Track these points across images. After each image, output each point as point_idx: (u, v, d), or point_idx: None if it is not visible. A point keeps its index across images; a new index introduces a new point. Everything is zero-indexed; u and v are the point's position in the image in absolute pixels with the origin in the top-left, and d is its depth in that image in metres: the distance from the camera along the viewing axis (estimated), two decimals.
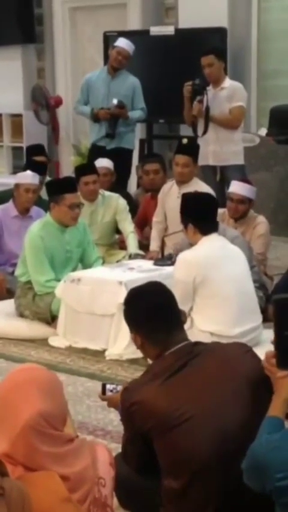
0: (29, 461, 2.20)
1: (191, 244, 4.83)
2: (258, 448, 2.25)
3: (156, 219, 6.59)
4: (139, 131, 9.08)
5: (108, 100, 7.68)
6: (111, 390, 3.09)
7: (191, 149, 6.33)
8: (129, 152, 7.93)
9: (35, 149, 7.72)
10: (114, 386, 3.11)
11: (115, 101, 7.57)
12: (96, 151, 7.73)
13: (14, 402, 2.23)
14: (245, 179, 6.31)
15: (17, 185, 6.46)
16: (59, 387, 2.39)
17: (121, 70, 7.76)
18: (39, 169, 6.84)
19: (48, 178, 7.21)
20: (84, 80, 8.04)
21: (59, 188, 5.64)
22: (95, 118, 7.75)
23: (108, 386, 3.11)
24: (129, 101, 7.73)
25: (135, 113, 7.76)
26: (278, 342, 1.96)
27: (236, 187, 6.04)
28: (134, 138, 8.06)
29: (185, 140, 6.43)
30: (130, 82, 7.80)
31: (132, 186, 8.58)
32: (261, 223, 6.05)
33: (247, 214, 6.06)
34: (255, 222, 6.05)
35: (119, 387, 3.02)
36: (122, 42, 7.74)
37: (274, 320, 2.01)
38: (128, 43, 7.74)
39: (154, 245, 6.55)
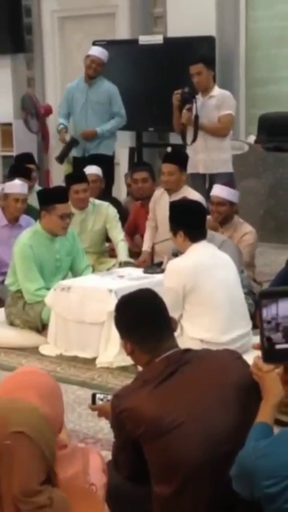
0: None
1: (180, 252, 4.84)
2: (246, 455, 2.26)
3: (149, 223, 6.65)
4: (128, 140, 9.12)
5: (87, 109, 7.86)
6: (101, 399, 3.10)
7: (176, 158, 6.38)
8: (109, 158, 7.99)
9: (24, 158, 7.73)
10: (104, 395, 3.12)
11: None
12: (77, 162, 7.86)
13: None
14: (227, 183, 6.32)
15: (5, 195, 6.46)
16: (58, 394, 2.40)
17: (97, 78, 7.89)
18: (26, 174, 6.86)
19: (38, 187, 7.22)
20: (66, 90, 8.19)
21: (51, 198, 5.65)
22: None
23: (98, 396, 3.12)
24: (106, 108, 7.86)
25: (107, 125, 7.85)
26: (262, 336, 1.98)
27: (215, 190, 6.09)
28: (114, 144, 8.13)
29: (169, 149, 6.50)
30: (106, 89, 7.92)
31: (121, 194, 8.60)
32: (249, 232, 6.07)
33: (232, 219, 6.07)
34: (242, 230, 6.06)
35: (109, 397, 3.03)
36: (95, 51, 7.90)
37: (258, 313, 2.03)
38: (101, 51, 7.89)
39: (146, 246, 6.61)
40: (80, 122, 7.99)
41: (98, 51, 7.87)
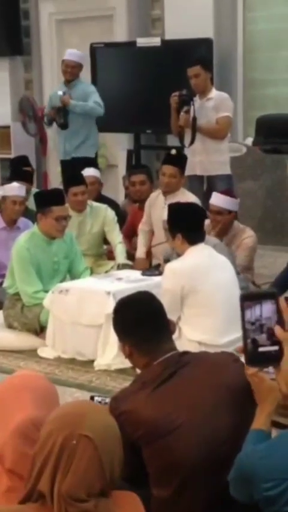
0: (17, 467, 2.20)
1: (178, 254, 4.84)
2: (245, 458, 2.25)
3: (142, 227, 6.63)
4: (126, 142, 9.12)
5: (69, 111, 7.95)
6: (99, 402, 3.10)
7: (179, 161, 6.38)
8: (93, 160, 8.04)
9: (20, 161, 7.74)
10: (102, 398, 3.12)
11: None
12: (64, 166, 7.96)
13: (7, 407, 2.24)
14: (226, 191, 6.31)
15: (3, 198, 6.47)
16: (54, 397, 2.40)
17: (75, 80, 8.05)
18: (25, 177, 6.86)
19: (35, 190, 7.22)
20: (49, 97, 8.32)
21: (47, 200, 5.65)
22: (50, 119, 8.14)
23: (96, 398, 3.12)
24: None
25: (86, 105, 7.93)
26: (244, 339, 1.97)
27: (214, 199, 6.06)
28: (94, 148, 8.22)
29: (173, 151, 6.47)
30: (83, 90, 8.04)
31: (119, 196, 8.61)
32: (250, 236, 6.06)
33: (231, 226, 6.06)
34: (243, 234, 6.05)
35: (107, 399, 3.03)
36: (68, 54, 8.07)
37: (241, 316, 2.03)
38: (75, 53, 8.06)
39: (140, 252, 6.59)
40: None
41: (71, 55, 8.06)
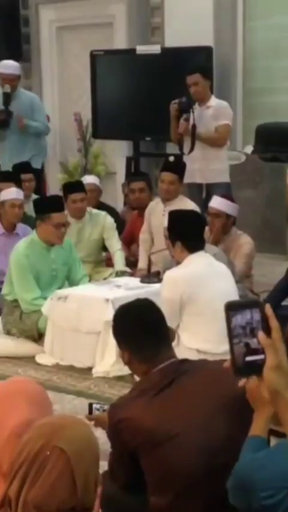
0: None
1: (177, 262, 4.84)
2: (243, 466, 2.25)
3: (142, 236, 6.63)
4: (125, 149, 9.13)
5: (14, 123, 7.92)
6: (98, 409, 3.10)
7: (177, 167, 6.38)
8: (39, 171, 8.08)
9: (22, 167, 7.72)
10: (101, 405, 3.12)
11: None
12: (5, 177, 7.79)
13: (2, 412, 2.24)
14: (225, 195, 6.33)
15: (2, 203, 6.46)
16: (47, 401, 2.41)
17: (16, 91, 8.01)
18: (15, 180, 6.86)
19: (35, 196, 7.22)
20: None
21: (46, 207, 5.65)
22: None
23: (95, 406, 3.11)
24: (30, 118, 7.99)
25: (34, 123, 7.95)
26: (232, 349, 1.97)
27: (213, 202, 6.09)
28: (41, 158, 8.30)
29: (171, 158, 6.48)
30: (26, 100, 8.04)
31: (118, 204, 8.61)
32: (247, 243, 6.07)
33: (229, 230, 6.07)
34: (240, 241, 6.06)
35: (106, 407, 3.03)
36: (5, 67, 7.99)
37: (226, 324, 2.02)
38: (11, 65, 8.02)
39: (142, 263, 6.58)
40: (10, 138, 8.05)
41: (7, 68, 7.99)
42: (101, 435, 3.82)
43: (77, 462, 1.99)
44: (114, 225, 6.67)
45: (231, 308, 2.00)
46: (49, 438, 2.01)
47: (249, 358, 1.93)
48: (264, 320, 1.93)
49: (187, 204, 6.20)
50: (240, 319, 1.97)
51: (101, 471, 2.49)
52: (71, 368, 5.21)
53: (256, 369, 1.93)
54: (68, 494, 1.98)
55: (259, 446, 2.28)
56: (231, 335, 1.97)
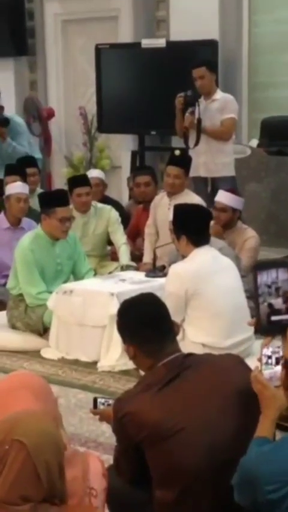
0: None
1: (183, 256, 4.84)
2: (249, 461, 2.25)
3: (148, 230, 6.62)
4: (131, 143, 9.12)
5: None
6: (102, 404, 3.09)
7: (183, 161, 6.37)
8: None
9: (26, 161, 7.72)
10: (106, 399, 3.11)
11: None
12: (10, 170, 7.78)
13: (7, 405, 2.24)
14: (231, 189, 6.32)
15: (7, 197, 6.47)
16: (51, 394, 2.41)
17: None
18: (20, 174, 6.84)
19: (40, 190, 7.22)
20: None
21: (51, 201, 5.65)
22: None
23: (99, 400, 3.11)
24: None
25: (21, 149, 7.84)
26: (258, 308, 1.97)
27: (219, 196, 6.10)
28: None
29: (177, 152, 6.47)
30: (13, 125, 7.91)
31: (123, 198, 8.61)
32: (252, 237, 6.07)
33: (234, 224, 6.07)
34: (245, 235, 6.06)
35: (111, 401, 3.02)
36: None
37: (253, 284, 2.02)
38: None
39: (147, 257, 6.58)
40: None
41: None
42: (106, 429, 3.85)
43: (37, 452, 2.02)
44: (119, 219, 6.67)
45: (259, 267, 2.00)
46: (6, 433, 2.03)
47: (274, 318, 1.93)
48: None
49: (193, 197, 6.19)
50: (266, 277, 1.96)
51: (106, 465, 2.51)
52: (76, 362, 5.22)
53: (280, 328, 1.92)
54: (33, 485, 2.01)
55: (265, 445, 2.28)
56: (257, 293, 1.97)
